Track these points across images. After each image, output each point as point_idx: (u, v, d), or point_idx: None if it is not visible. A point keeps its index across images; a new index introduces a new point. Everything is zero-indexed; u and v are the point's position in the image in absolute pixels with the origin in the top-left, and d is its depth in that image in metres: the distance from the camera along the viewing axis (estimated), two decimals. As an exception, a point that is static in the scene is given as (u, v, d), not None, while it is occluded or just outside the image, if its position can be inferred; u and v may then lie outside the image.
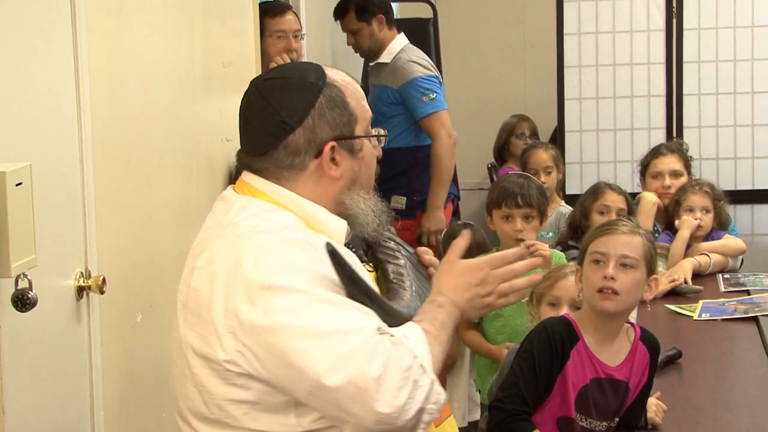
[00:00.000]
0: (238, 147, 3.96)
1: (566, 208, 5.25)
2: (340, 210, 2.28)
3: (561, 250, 4.31)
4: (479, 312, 2.26)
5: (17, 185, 2.30)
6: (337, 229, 2.25)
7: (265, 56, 4.53)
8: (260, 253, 2.07)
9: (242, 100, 2.31)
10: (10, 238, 2.26)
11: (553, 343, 2.65)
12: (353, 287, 2.14)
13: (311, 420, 2.09)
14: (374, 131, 2.34)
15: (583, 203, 4.71)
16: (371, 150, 2.32)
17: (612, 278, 2.65)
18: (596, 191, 4.72)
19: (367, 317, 2.06)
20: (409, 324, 2.13)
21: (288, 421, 2.09)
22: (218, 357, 2.08)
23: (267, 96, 2.25)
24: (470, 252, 2.25)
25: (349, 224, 2.29)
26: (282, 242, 2.10)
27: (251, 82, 2.34)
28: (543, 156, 5.54)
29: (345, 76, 2.32)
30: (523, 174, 4.50)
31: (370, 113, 2.32)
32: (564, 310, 3.14)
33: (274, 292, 2.03)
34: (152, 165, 3.28)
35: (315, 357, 1.98)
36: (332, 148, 2.23)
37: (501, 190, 4.10)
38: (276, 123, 2.23)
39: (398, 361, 2.00)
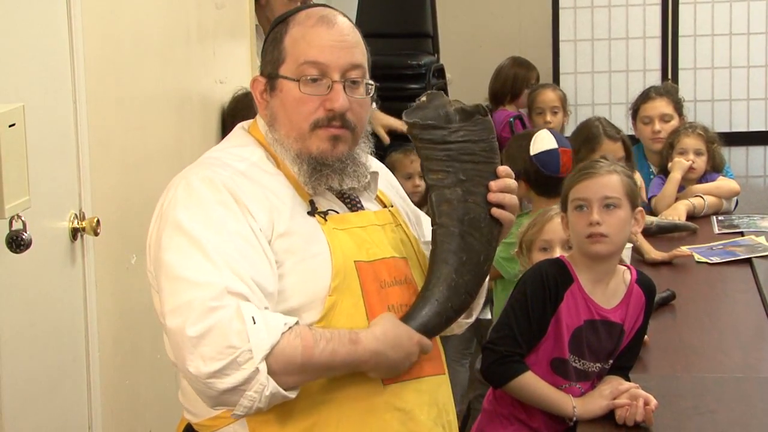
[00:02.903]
0: (231, 89, 3.99)
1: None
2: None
3: None
4: (387, 373, 2.14)
5: (10, 126, 2.29)
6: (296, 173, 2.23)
7: None
8: (181, 185, 2.13)
9: None
10: (3, 180, 2.26)
11: (547, 284, 2.65)
12: None
13: None
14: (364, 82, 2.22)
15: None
16: (294, 93, 2.19)
17: (598, 223, 2.65)
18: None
19: (226, 277, 2.00)
20: (282, 317, 2.02)
21: None
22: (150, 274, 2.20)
23: None
24: None
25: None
26: (201, 179, 2.12)
27: None
28: (551, 96, 5.52)
29: (317, 13, 2.22)
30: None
31: (315, 57, 2.17)
32: (557, 253, 3.13)
33: (171, 226, 2.09)
34: (146, 106, 3.27)
35: (166, 297, 2.04)
36: (255, 81, 2.27)
37: None
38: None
39: (225, 334, 1.96)
